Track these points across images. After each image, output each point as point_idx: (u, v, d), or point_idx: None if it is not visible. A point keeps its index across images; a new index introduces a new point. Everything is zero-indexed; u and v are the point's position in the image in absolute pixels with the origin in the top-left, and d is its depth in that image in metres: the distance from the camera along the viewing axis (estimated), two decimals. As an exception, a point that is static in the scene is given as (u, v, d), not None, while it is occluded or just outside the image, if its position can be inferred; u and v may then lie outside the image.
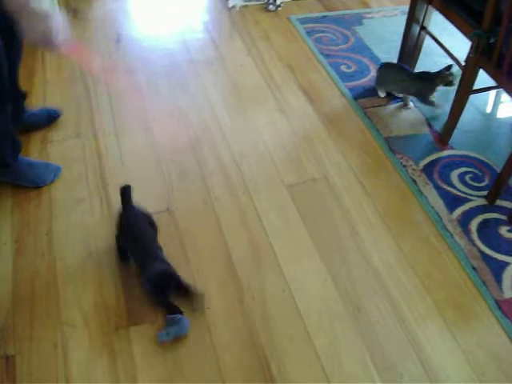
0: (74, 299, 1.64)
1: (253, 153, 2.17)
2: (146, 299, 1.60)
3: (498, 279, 1.74)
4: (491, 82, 1.98)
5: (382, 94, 2.48)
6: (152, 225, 1.69)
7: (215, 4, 3.15)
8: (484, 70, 1.99)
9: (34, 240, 1.80)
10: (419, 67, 2.61)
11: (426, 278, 1.74)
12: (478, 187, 2.05)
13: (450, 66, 2.26)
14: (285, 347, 1.55)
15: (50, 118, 2.24)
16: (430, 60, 2.66)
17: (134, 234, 1.60)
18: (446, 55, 2.30)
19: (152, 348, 1.54)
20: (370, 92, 2.51)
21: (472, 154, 2.19)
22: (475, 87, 2.10)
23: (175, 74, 2.57)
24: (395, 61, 2.58)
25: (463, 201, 2.00)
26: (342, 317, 1.63)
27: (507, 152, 1.92)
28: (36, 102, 2.32)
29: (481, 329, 1.62)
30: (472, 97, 2.14)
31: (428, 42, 2.47)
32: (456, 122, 2.21)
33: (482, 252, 1.82)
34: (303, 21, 2.98)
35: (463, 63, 2.13)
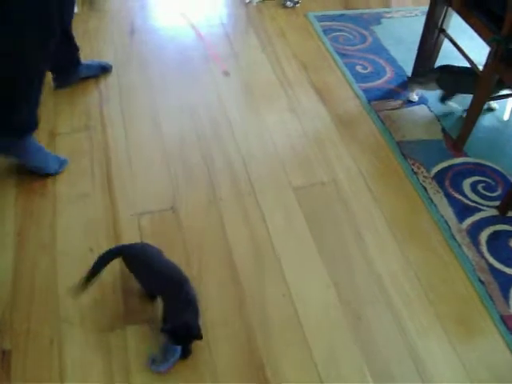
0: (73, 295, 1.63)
1: (261, 152, 2.14)
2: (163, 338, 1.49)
3: (506, 294, 1.69)
4: None
5: (416, 98, 2.42)
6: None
7: (232, -1, 3.12)
8: (501, 76, 1.93)
9: (36, 232, 1.80)
10: (437, 70, 2.55)
11: (431, 288, 1.70)
12: (490, 197, 2.00)
13: None
14: (281, 353, 1.53)
15: (103, 69, 2.42)
16: (449, 63, 2.59)
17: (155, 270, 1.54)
18: (465, 59, 2.25)
19: (147, 348, 1.52)
20: (385, 94, 2.46)
21: (486, 163, 2.14)
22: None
23: (188, 68, 2.54)
24: (412, 63, 2.52)
25: (474, 210, 1.95)
26: (341, 324, 1.60)
27: (522, 162, 1.87)
28: (45, 95, 2.32)
29: (484, 344, 1.58)
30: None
31: (447, 44, 2.41)
32: (471, 129, 2.16)
33: (490, 265, 1.77)
34: (321, 18, 2.93)
35: (481, 68, 2.07)
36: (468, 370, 1.51)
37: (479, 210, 1.95)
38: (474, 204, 1.97)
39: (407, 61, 2.59)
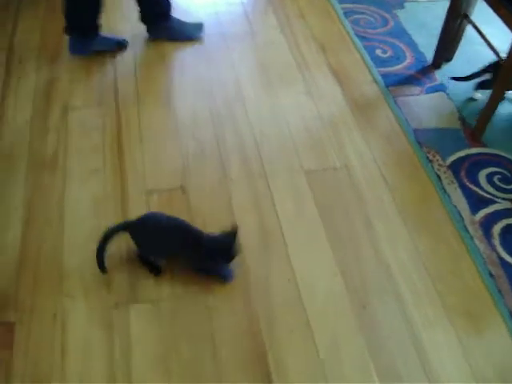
0: (77, 271, 1.63)
1: (274, 134, 2.11)
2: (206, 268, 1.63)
3: (516, 289, 1.66)
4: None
5: (480, 96, 2.31)
6: None
7: (253, -24, 3.06)
8: (524, 66, 1.88)
9: (44, 207, 1.80)
10: (459, 57, 2.49)
11: (439, 280, 1.67)
12: (506, 189, 1.95)
13: None
14: (284, 340, 1.51)
15: (119, 44, 2.47)
16: (471, 49, 2.53)
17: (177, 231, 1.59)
18: (488, 46, 2.18)
19: (150, 327, 1.52)
20: (404, 79, 2.40)
21: (504, 154, 2.09)
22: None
23: (204, 46, 2.52)
24: (433, 49, 2.45)
25: (488, 202, 1.90)
26: (346, 313, 1.58)
27: (541, 155, 1.82)
28: (61, 68, 2.31)
29: (491, 339, 1.55)
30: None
31: (469, 31, 2.35)
32: (490, 118, 2.10)
33: (501, 259, 1.74)
34: (342, 0, 2.87)
35: (504, 56, 2.01)
36: (472, 363, 1.48)
37: (494, 202, 1.90)
38: (488, 196, 1.92)
39: (429, 46, 2.52)
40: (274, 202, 1.86)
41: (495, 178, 1.99)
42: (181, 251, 1.60)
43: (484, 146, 2.11)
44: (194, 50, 2.48)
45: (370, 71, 2.43)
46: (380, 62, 2.49)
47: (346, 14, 2.78)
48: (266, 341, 1.50)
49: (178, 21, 2.53)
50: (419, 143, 2.10)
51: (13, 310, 1.54)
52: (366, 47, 2.57)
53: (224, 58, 2.45)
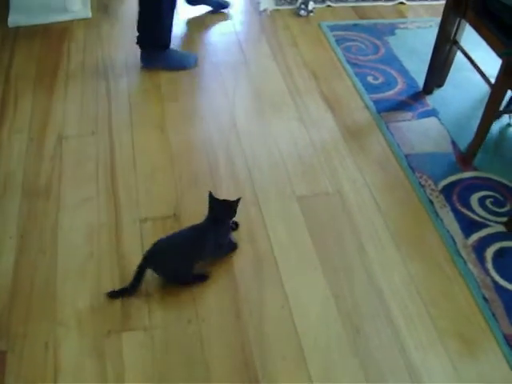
0: (71, 299, 1.63)
1: (266, 160, 2.12)
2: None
3: (510, 313, 1.65)
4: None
5: None
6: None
7: (246, 6, 3.12)
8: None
9: (38, 235, 1.80)
10: (449, 83, 2.53)
11: (433, 304, 1.67)
12: (498, 213, 1.96)
13: None
14: (277, 367, 1.50)
15: (220, 5, 2.85)
16: (461, 76, 2.57)
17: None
18: (477, 71, 2.22)
19: (142, 355, 1.51)
20: (396, 105, 2.43)
21: (496, 178, 2.10)
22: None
23: (197, 74, 2.56)
24: (424, 75, 2.49)
25: (481, 226, 1.91)
26: (339, 338, 1.57)
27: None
28: (56, 98, 2.34)
29: (485, 363, 1.54)
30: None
31: (460, 56, 2.38)
32: (481, 143, 2.12)
33: (495, 282, 1.73)
34: (334, 28, 2.92)
35: (493, 81, 2.04)
36: (467, 389, 1.48)
37: (486, 226, 1.91)
38: (481, 219, 1.93)
39: (420, 72, 2.55)
40: (267, 227, 1.87)
41: (487, 202, 2.00)
42: (207, 246, 1.69)
43: (476, 169, 2.13)
44: (189, 78, 2.52)
45: (361, 97, 2.46)
46: (372, 88, 2.53)
47: (338, 41, 2.83)
48: (258, 369, 1.49)
49: (173, 50, 2.57)
50: (411, 168, 2.11)
51: (5, 338, 1.53)
52: (357, 74, 2.61)
53: (218, 87, 2.49)
